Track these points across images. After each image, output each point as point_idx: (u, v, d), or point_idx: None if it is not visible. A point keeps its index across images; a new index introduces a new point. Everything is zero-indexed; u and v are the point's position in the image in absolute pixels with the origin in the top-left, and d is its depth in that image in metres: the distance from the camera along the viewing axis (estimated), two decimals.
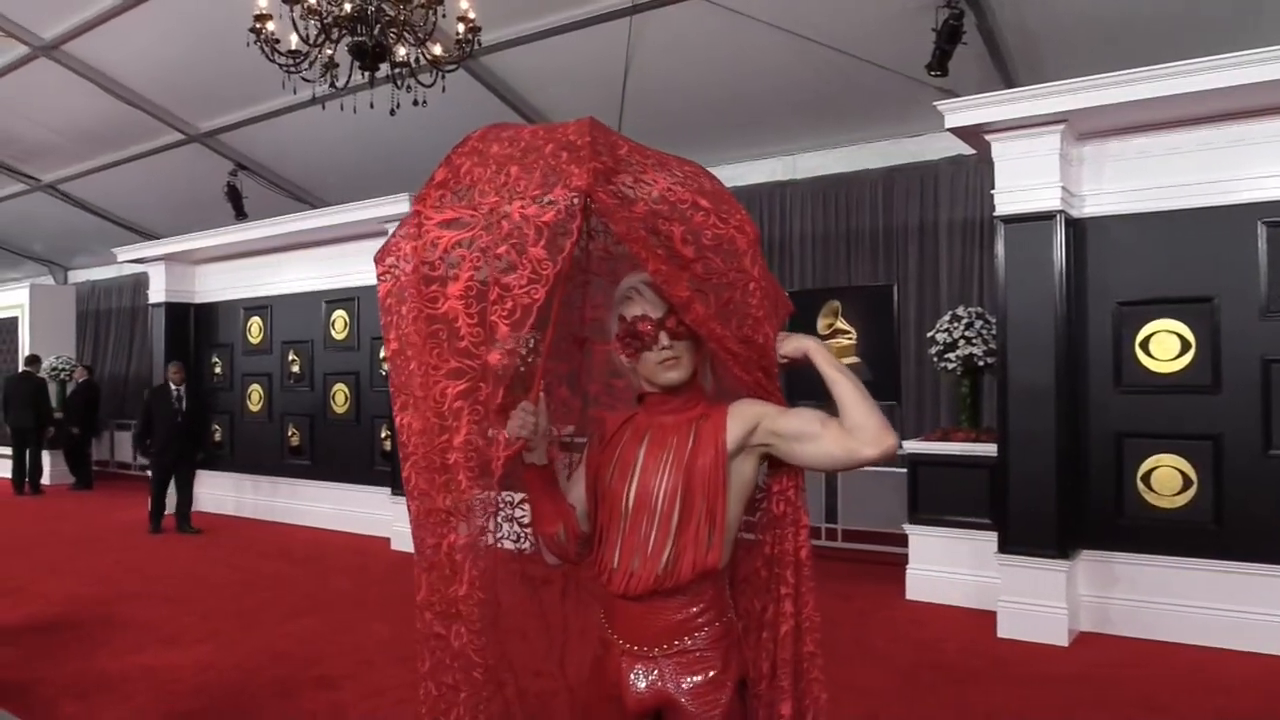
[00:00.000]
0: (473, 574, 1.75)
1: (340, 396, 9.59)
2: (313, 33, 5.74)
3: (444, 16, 5.92)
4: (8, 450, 12.77)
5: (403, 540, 8.31)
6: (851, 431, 1.73)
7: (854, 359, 9.24)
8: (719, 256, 1.77)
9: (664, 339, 1.83)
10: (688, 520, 1.81)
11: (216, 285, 10.93)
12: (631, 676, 1.87)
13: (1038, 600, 5.37)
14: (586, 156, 1.64)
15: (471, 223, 1.72)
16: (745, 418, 1.83)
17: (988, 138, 5.63)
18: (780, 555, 1.90)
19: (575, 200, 1.64)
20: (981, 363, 6.40)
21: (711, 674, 1.83)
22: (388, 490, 8.64)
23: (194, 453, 9.38)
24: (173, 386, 9.15)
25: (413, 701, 4.54)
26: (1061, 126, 5.35)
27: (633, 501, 1.85)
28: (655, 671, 1.85)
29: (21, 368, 12.90)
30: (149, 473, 10.92)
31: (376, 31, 5.67)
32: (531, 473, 1.85)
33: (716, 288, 1.78)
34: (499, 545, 1.90)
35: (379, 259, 1.88)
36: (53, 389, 13.08)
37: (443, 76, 6.17)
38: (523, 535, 1.97)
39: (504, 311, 1.67)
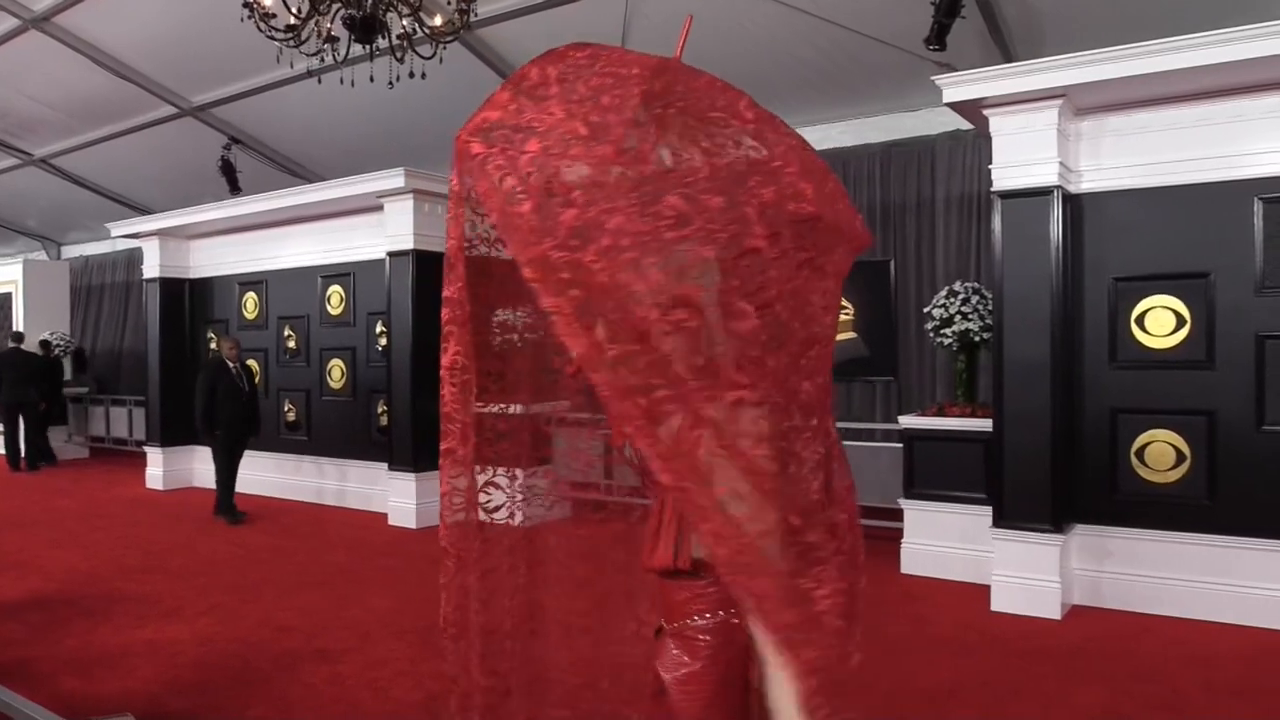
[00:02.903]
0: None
1: (336, 372, 9.58)
2: (304, 7, 5.70)
3: None
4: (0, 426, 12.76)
5: (399, 515, 8.35)
6: None
7: (851, 334, 9.26)
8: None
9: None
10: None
11: (211, 260, 10.87)
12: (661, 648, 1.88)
13: (1031, 574, 5.41)
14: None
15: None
16: None
17: (985, 113, 5.61)
18: None
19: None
20: (977, 338, 6.41)
21: (698, 665, 1.80)
22: (384, 465, 8.66)
23: (250, 433, 8.85)
24: (230, 364, 8.61)
25: (413, 674, 4.60)
26: (1059, 102, 5.33)
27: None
28: (664, 648, 1.86)
29: (9, 344, 12.85)
30: (145, 449, 10.98)
31: (368, 4, 5.63)
32: None
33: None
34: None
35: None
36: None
37: (443, 48, 6.12)
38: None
39: None
